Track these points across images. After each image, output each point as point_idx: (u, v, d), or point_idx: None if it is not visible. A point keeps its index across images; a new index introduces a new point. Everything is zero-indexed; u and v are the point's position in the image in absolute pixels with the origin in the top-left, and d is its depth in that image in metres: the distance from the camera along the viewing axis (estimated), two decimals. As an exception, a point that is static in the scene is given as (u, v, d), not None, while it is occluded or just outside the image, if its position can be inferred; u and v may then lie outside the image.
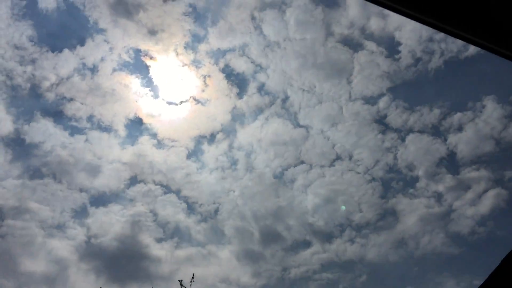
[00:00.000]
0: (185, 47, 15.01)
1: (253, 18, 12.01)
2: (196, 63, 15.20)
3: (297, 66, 13.72)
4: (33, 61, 13.13)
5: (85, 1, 11.02)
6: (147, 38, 14.47)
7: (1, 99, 12.32)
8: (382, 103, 16.95)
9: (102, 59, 15.72)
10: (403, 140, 18.50)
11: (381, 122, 18.15)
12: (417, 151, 17.72)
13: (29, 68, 13.23)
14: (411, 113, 16.76)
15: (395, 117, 17.09)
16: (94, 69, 16.06)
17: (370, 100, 17.19)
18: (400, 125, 17.19)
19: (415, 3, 1.34)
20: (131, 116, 18.45)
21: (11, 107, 16.69)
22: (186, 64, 15.34)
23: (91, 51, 15.77)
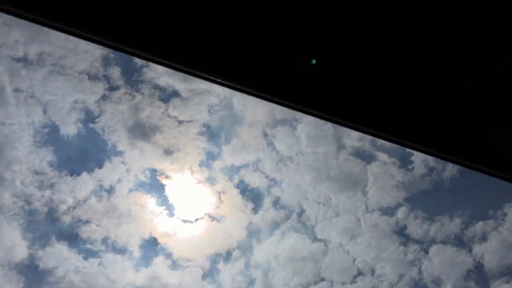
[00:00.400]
0: (199, 165, 15.44)
1: (265, 134, 12.38)
2: (210, 180, 15.48)
3: (311, 179, 13.75)
4: (51, 186, 13.71)
5: (105, 125, 11.81)
6: (162, 158, 15.06)
7: (18, 225, 12.60)
8: (400, 213, 16.73)
9: (119, 180, 16.17)
10: (426, 252, 17.76)
11: (402, 234, 17.66)
12: (442, 263, 16.91)
13: (47, 193, 13.74)
14: (431, 223, 16.29)
15: (415, 228, 16.61)
16: (111, 190, 16.41)
17: (388, 211, 17.03)
18: (422, 236, 16.63)
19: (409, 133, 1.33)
20: (146, 236, 18.35)
21: (27, 232, 16.77)
22: (201, 182, 15.58)
23: (108, 173, 16.26)
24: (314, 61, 1.18)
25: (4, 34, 9.25)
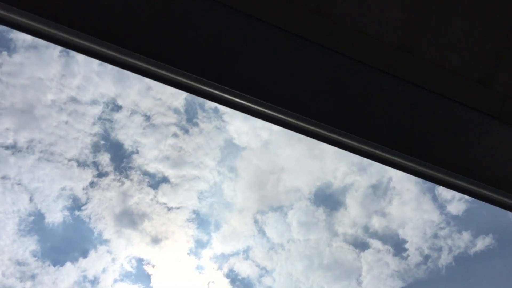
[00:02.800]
0: (188, 253, 14.98)
1: (255, 221, 12.16)
2: (199, 269, 14.94)
3: (303, 268, 13.30)
4: (33, 277, 13.05)
5: (91, 213, 11.56)
6: (150, 246, 14.61)
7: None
8: (397, 304, 16.08)
9: (104, 271, 15.50)
10: None
11: (399, 326, 16.84)
12: None
13: (28, 284, 13.05)
14: (430, 314, 15.58)
15: (414, 321, 15.88)
16: (94, 281, 15.70)
17: (384, 302, 16.36)
18: (420, 329, 15.84)
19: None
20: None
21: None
22: (189, 271, 15.01)
23: (93, 263, 15.63)
24: None
25: (-5, 123, 9.36)
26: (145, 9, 1.05)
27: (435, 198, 11.50)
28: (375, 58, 1.21)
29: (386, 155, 1.22)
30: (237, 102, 1.13)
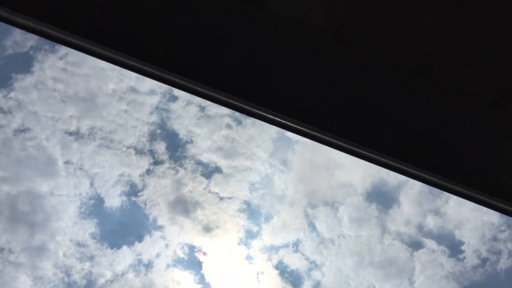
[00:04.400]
0: (238, 243, 15.18)
1: (306, 214, 12.10)
2: (249, 259, 15.11)
3: (353, 264, 13.12)
4: (91, 258, 13.71)
5: (147, 199, 11.94)
6: (201, 235, 14.94)
7: (55, 296, 12.54)
8: (451, 307, 15.55)
9: (157, 255, 16.01)
10: None
11: (453, 329, 16.29)
12: None
13: (87, 265, 13.76)
14: (486, 319, 14.94)
15: (468, 324, 15.29)
16: (149, 265, 16.25)
17: (437, 303, 15.87)
18: (475, 333, 15.23)
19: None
20: (180, 316, 17.82)
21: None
22: (239, 260, 15.22)
23: (147, 248, 16.18)
24: None
25: (60, 110, 9.85)
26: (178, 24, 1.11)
27: (496, 199, 10.96)
28: (392, 81, 1.29)
29: (413, 171, 1.27)
30: (265, 116, 1.20)
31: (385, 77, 1.27)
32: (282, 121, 1.18)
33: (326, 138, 1.18)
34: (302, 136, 1.22)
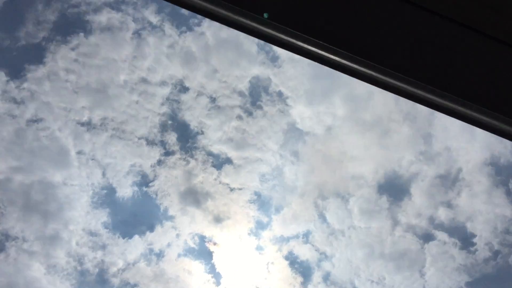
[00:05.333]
0: (249, 234, 15.25)
1: (316, 206, 12.10)
2: (259, 250, 15.18)
3: (363, 255, 13.13)
4: (104, 247, 13.86)
5: (158, 190, 12.03)
6: (212, 225, 15.01)
7: (69, 285, 12.69)
8: (461, 299, 15.50)
9: (169, 245, 16.11)
10: None
11: (463, 321, 16.25)
12: None
13: (99, 254, 13.94)
14: (497, 312, 14.91)
15: (479, 316, 15.26)
16: (160, 255, 16.38)
17: (448, 296, 15.84)
18: (486, 326, 15.21)
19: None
20: (192, 304, 18.00)
21: (76, 292, 16.91)
22: (249, 251, 15.31)
23: (159, 237, 16.29)
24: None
25: (72, 101, 9.93)
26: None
27: (508, 192, 10.88)
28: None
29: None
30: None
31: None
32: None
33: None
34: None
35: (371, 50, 1.13)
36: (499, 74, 1.17)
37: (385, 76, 1.14)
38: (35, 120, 9.90)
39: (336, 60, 1.13)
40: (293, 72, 11.13)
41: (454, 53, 1.16)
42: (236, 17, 1.07)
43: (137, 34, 9.97)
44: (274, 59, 11.16)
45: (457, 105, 1.15)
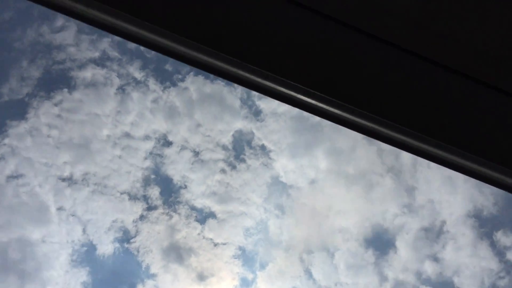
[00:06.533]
0: (233, 292, 14.85)
1: (302, 260, 11.90)
2: (244, 310, 14.71)
3: (351, 313, 12.86)
4: (82, 308, 13.25)
5: (140, 246, 11.69)
6: (195, 283, 14.55)
7: None
8: None
9: (150, 305, 15.52)
10: None
11: None
12: None
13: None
14: None
15: None
16: (140, 316, 15.69)
17: None
18: None
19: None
20: None
21: None
22: (234, 311, 14.85)
23: (140, 297, 15.69)
24: None
25: (54, 156, 9.85)
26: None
27: (493, 244, 10.88)
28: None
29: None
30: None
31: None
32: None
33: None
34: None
35: (369, 100, 1.13)
36: (481, 117, 1.18)
37: (370, 121, 1.14)
38: (15, 176, 9.74)
39: (329, 110, 1.13)
40: (275, 126, 11.28)
41: (439, 97, 1.18)
42: (235, 70, 1.07)
43: (121, 89, 10.09)
44: (257, 113, 11.32)
45: (441, 150, 1.16)
